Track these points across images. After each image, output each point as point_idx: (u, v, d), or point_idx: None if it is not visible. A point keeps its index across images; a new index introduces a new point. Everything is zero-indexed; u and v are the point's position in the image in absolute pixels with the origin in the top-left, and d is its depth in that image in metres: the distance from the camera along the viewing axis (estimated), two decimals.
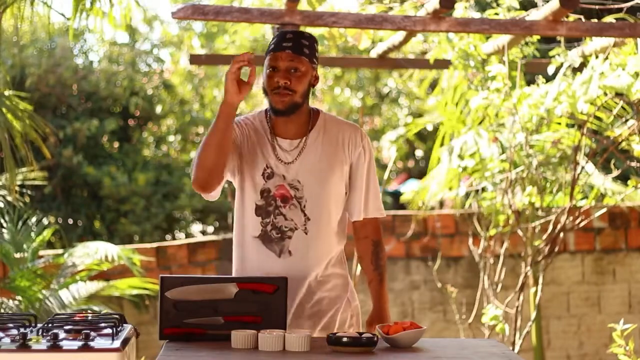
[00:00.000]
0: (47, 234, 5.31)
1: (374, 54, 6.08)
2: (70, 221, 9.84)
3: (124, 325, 2.75)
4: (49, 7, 4.30)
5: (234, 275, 3.00)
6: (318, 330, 2.94)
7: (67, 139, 9.71)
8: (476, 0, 7.47)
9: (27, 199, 5.60)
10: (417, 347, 2.70)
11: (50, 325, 2.66)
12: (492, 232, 5.42)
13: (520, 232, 5.28)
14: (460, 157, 5.57)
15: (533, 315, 5.39)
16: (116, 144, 10.49)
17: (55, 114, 10.05)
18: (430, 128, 7.77)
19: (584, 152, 5.10)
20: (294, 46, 2.86)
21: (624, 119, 5.08)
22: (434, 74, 6.99)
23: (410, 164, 13.12)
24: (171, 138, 11.10)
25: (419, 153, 13.05)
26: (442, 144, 6.28)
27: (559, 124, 5.52)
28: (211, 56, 8.50)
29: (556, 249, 5.14)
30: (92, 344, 2.47)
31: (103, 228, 9.74)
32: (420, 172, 11.92)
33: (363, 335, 2.63)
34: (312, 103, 3.29)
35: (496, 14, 5.16)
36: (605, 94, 4.79)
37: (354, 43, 5.46)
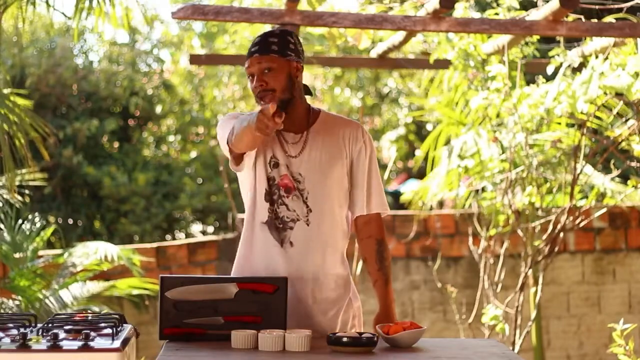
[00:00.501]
0: (46, 234, 5.31)
1: (374, 54, 6.08)
2: (70, 221, 9.85)
3: (124, 325, 2.75)
4: (49, 5, 4.30)
5: (237, 259, 3.00)
6: (317, 329, 2.93)
7: (67, 139, 9.71)
8: (476, 0, 7.47)
9: (27, 199, 5.59)
10: (417, 347, 2.70)
11: (50, 325, 2.66)
12: (492, 232, 5.41)
13: (520, 232, 5.28)
14: (460, 157, 5.57)
15: (533, 315, 5.39)
16: (116, 144, 10.50)
17: (55, 114, 10.05)
18: (430, 128, 7.78)
19: (584, 152, 5.10)
20: (260, 48, 2.89)
21: (624, 119, 5.08)
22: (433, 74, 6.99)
23: (410, 164, 13.12)
24: (171, 138, 11.11)
25: (419, 153, 13.04)
26: (436, 146, 6.28)
27: (559, 124, 5.52)
28: (211, 56, 8.50)
29: (556, 249, 5.13)
30: (92, 344, 2.47)
31: (103, 228, 9.74)
32: (420, 172, 11.92)
33: (363, 335, 2.63)
34: (312, 103, 3.28)
35: (496, 14, 5.16)
36: (605, 94, 4.79)
37: (354, 43, 5.46)
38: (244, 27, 10.70)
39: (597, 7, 4.79)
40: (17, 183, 5.06)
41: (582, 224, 5.35)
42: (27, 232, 5.25)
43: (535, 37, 5.28)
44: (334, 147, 2.96)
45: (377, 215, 3.03)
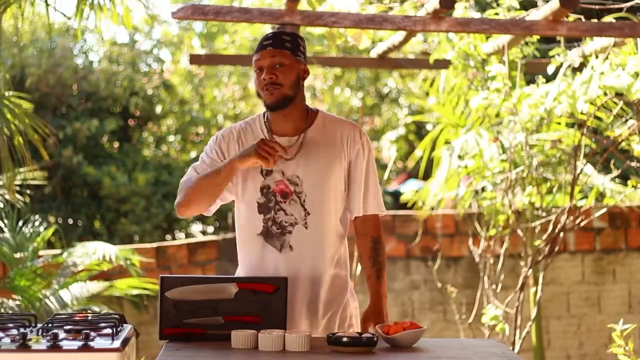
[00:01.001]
0: (47, 233, 5.31)
1: (374, 54, 6.08)
2: (70, 221, 9.84)
3: (124, 325, 2.75)
4: (49, 5, 4.30)
5: (240, 267, 3.02)
6: (316, 329, 2.94)
7: (67, 139, 9.71)
8: (476, 0, 7.47)
9: (27, 199, 5.59)
10: (417, 347, 2.70)
11: (50, 325, 2.66)
12: (492, 232, 5.41)
13: (520, 232, 5.28)
14: (460, 157, 5.57)
15: (533, 315, 5.39)
16: (116, 144, 10.49)
17: (55, 114, 10.05)
18: (430, 128, 7.77)
19: (584, 152, 5.10)
20: (274, 42, 2.91)
21: (624, 119, 5.08)
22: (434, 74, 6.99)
23: (410, 164, 13.13)
24: (171, 138, 11.10)
25: (419, 153, 13.05)
26: (435, 146, 6.27)
27: (559, 124, 5.52)
28: (211, 56, 8.50)
29: (556, 249, 5.13)
30: (92, 344, 2.47)
31: (103, 228, 9.74)
32: (418, 173, 11.92)
33: (363, 335, 2.63)
34: (312, 103, 3.29)
35: (496, 14, 5.16)
36: (605, 94, 4.79)
37: (354, 43, 5.46)
38: (244, 27, 10.72)
39: (597, 7, 4.79)
40: (17, 183, 5.06)
41: (582, 224, 5.35)
42: (28, 232, 5.25)
43: (535, 37, 5.28)
44: (331, 149, 2.96)
45: (374, 215, 3.04)
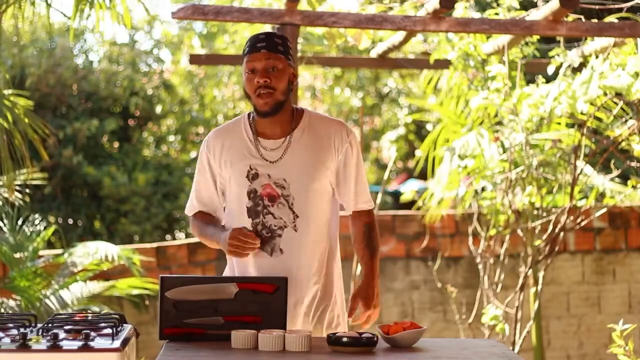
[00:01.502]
0: (47, 233, 5.31)
1: (374, 54, 6.08)
2: (70, 221, 9.85)
3: (124, 325, 2.75)
4: (49, 5, 4.30)
5: (228, 267, 3.03)
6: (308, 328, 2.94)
7: (67, 139, 9.71)
8: (476, 0, 7.47)
9: (27, 199, 5.59)
10: (417, 347, 2.70)
11: (50, 325, 2.66)
12: (492, 232, 5.41)
13: (520, 232, 5.28)
14: (460, 157, 5.57)
15: (533, 315, 5.39)
16: (116, 144, 10.50)
17: (55, 114, 10.06)
18: (430, 128, 7.77)
19: (584, 152, 5.10)
20: (268, 45, 2.88)
21: (623, 119, 5.08)
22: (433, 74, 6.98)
23: (410, 164, 13.13)
24: (171, 138, 11.11)
25: (419, 153, 13.05)
26: (435, 146, 6.27)
27: (559, 124, 5.52)
28: (211, 56, 8.51)
29: (556, 249, 5.13)
30: (92, 344, 2.47)
31: (103, 228, 9.74)
32: (420, 172, 11.92)
33: (363, 335, 2.63)
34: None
35: (496, 14, 5.16)
36: (605, 94, 4.79)
37: (354, 43, 5.46)
38: (244, 27, 10.70)
39: (597, 7, 4.79)
40: (17, 183, 5.06)
41: (582, 224, 5.35)
42: (28, 232, 5.25)
43: (535, 37, 5.28)
44: (319, 150, 2.95)
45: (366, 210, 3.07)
